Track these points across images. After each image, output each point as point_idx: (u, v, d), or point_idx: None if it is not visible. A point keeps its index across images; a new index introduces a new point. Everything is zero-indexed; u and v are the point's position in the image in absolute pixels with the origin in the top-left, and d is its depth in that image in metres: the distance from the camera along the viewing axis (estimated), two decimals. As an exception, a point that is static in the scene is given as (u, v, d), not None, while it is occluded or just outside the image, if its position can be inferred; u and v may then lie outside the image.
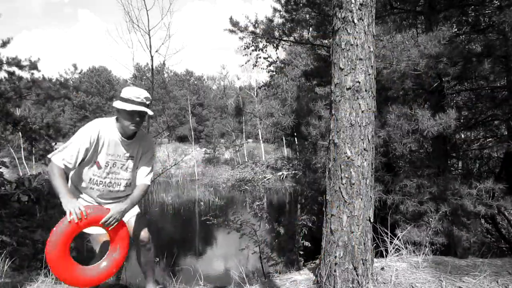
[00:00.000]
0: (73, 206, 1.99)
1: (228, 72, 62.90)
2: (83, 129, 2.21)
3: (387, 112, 4.39)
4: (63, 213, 1.98)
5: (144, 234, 2.44)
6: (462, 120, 5.39)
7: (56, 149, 2.20)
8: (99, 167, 2.29)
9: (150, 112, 2.26)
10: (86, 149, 2.20)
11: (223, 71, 55.77)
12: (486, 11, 5.44)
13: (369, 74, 2.34)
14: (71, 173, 2.38)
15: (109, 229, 2.17)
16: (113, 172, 2.36)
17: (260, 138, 31.62)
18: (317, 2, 6.60)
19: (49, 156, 2.18)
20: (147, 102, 2.27)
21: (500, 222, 6.66)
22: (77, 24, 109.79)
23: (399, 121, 4.21)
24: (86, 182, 2.34)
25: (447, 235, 4.32)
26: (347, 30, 2.31)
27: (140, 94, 2.24)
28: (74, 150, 2.17)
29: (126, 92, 2.24)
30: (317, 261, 2.79)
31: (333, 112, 2.43)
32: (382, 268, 2.67)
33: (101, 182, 2.34)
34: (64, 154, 2.15)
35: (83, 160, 2.23)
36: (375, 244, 2.71)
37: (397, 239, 3.12)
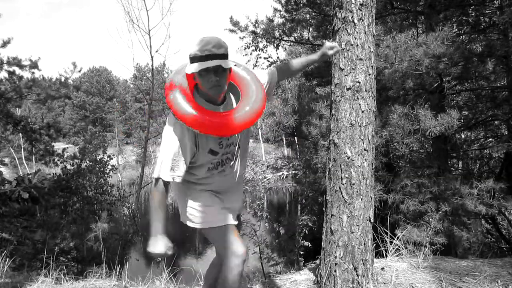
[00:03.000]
0: (158, 250, 1.64)
1: (228, 72, 62.64)
2: (168, 131, 1.73)
3: (389, 112, 4.39)
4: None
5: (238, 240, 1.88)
6: (462, 120, 5.39)
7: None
8: (214, 153, 1.82)
9: (226, 65, 1.63)
10: (190, 147, 1.73)
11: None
12: (487, 11, 5.44)
13: (369, 74, 2.34)
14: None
15: None
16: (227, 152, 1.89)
17: (260, 138, 31.59)
18: (317, 2, 6.61)
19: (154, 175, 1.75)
20: (219, 51, 1.61)
21: (500, 222, 6.66)
22: (77, 24, 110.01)
23: (400, 121, 4.22)
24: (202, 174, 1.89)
25: (447, 235, 4.32)
26: (347, 30, 2.31)
27: (206, 43, 1.60)
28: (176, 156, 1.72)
29: (191, 49, 1.65)
30: (317, 261, 2.79)
31: (333, 112, 2.43)
32: (382, 268, 2.67)
33: (218, 163, 1.86)
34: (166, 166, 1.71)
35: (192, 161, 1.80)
36: (375, 244, 2.71)
37: (397, 239, 3.11)
